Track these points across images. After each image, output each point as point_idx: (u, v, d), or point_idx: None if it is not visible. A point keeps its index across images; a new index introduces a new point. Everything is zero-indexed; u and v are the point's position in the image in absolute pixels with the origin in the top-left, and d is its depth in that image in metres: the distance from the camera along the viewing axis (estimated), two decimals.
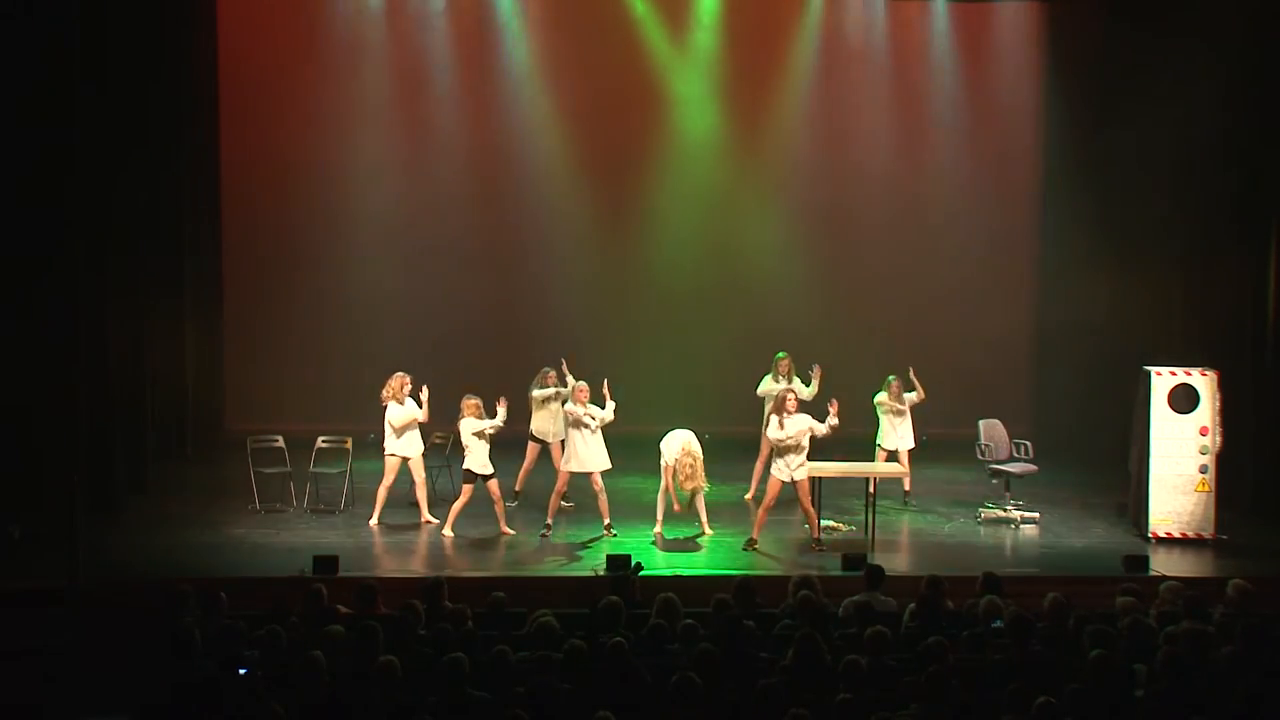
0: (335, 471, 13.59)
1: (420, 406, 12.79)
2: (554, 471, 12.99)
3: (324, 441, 13.67)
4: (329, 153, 16.89)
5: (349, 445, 13.61)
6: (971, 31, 17.39)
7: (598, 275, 17.32)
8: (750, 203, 17.37)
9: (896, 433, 13.96)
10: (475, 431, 12.43)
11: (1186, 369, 13.02)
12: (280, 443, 13.66)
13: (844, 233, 17.48)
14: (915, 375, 14.00)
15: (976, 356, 17.22)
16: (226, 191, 16.67)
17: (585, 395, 12.50)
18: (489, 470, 12.52)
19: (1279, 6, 13.85)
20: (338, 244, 16.96)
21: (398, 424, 12.77)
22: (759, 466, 13.83)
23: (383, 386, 12.85)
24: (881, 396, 13.95)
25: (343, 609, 9.08)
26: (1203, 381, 12.92)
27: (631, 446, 13.41)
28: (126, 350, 13.77)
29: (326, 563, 10.86)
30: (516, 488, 13.66)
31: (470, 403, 12.50)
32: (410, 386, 12.85)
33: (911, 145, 17.45)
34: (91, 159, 12.70)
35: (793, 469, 12.23)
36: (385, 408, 12.84)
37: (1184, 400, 12.91)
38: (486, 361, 16.77)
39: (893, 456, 13.95)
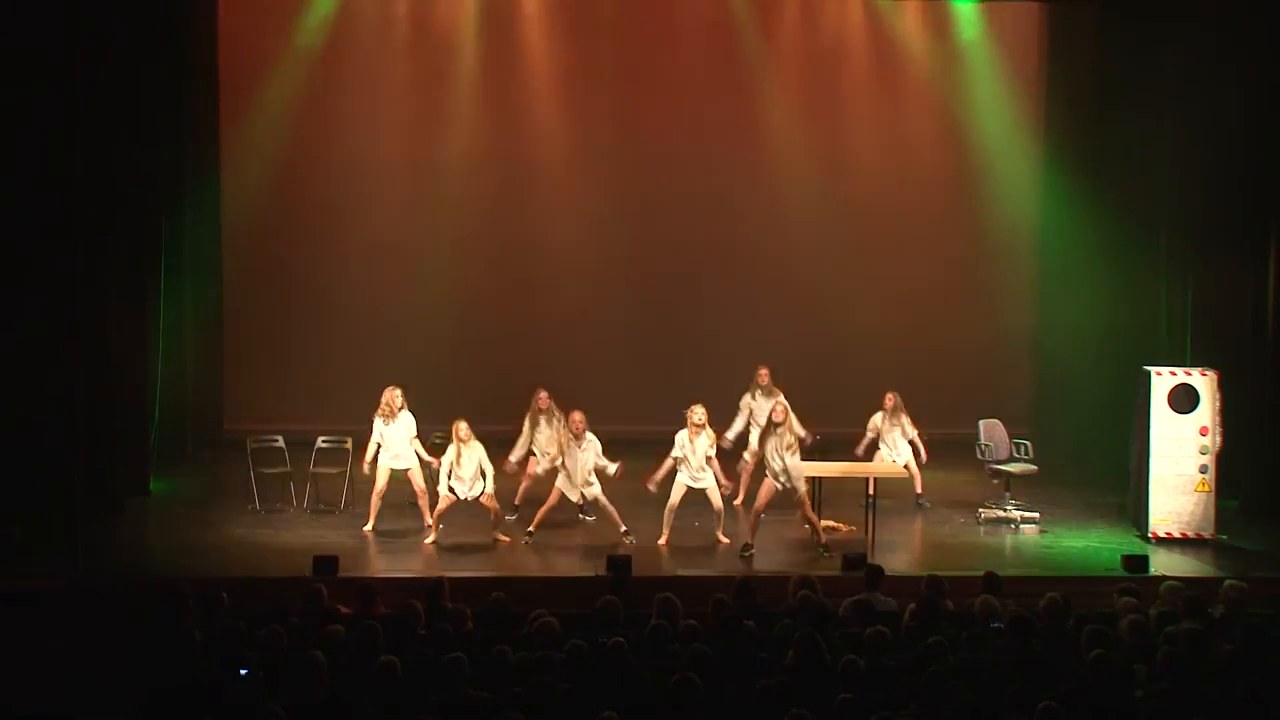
0: (335, 472, 13.60)
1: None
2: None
3: (324, 441, 13.67)
4: (329, 153, 16.88)
5: (349, 445, 13.61)
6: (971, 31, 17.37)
7: (600, 275, 17.28)
8: (748, 204, 17.34)
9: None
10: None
11: (1186, 369, 13.03)
12: (280, 443, 13.66)
13: (843, 233, 17.44)
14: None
15: (976, 356, 17.21)
16: (227, 191, 16.62)
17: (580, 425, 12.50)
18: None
19: (1277, 5, 13.86)
20: (337, 244, 16.96)
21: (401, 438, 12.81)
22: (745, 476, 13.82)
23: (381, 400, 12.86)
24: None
25: (343, 609, 9.08)
26: (1203, 381, 12.92)
27: (636, 448, 13.40)
28: (126, 350, 13.76)
29: (326, 563, 10.85)
30: (516, 501, 13.39)
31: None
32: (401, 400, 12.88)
33: (911, 144, 17.43)
34: (91, 158, 12.69)
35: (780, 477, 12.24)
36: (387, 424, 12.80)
37: (1184, 400, 12.91)
38: (488, 362, 16.81)
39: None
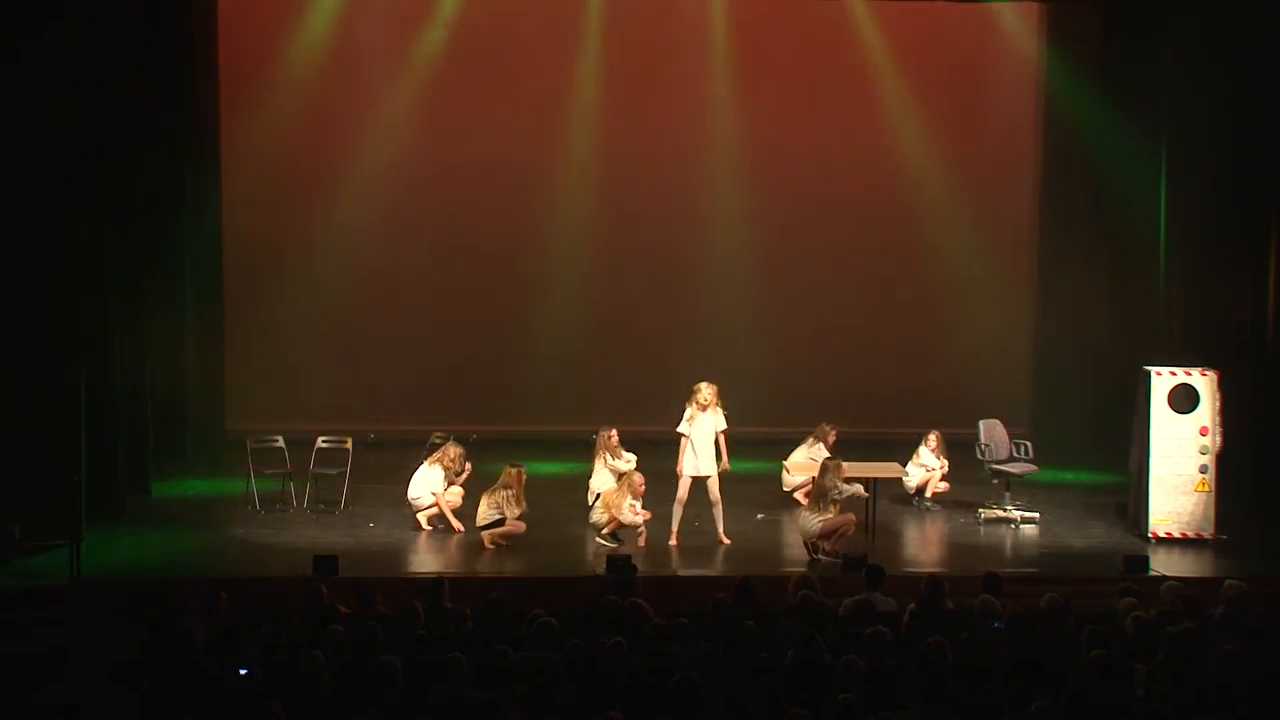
0: (335, 472, 13.59)
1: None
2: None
3: (324, 441, 13.67)
4: (330, 153, 16.83)
5: (349, 445, 13.62)
6: (971, 31, 17.35)
7: (601, 277, 17.22)
8: (748, 203, 17.30)
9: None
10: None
11: (1186, 369, 13.02)
12: (280, 443, 13.66)
13: (845, 232, 17.40)
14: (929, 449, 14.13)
15: (976, 356, 17.18)
16: (227, 191, 16.59)
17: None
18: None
19: (1277, 5, 13.86)
20: (338, 245, 16.89)
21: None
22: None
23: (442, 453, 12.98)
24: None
25: (343, 609, 9.09)
26: (1203, 381, 12.92)
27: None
28: (127, 350, 13.75)
29: (326, 563, 10.84)
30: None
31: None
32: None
33: (911, 144, 17.37)
34: (91, 159, 12.69)
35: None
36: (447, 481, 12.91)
37: (1184, 400, 12.90)
38: (487, 362, 16.80)
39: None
